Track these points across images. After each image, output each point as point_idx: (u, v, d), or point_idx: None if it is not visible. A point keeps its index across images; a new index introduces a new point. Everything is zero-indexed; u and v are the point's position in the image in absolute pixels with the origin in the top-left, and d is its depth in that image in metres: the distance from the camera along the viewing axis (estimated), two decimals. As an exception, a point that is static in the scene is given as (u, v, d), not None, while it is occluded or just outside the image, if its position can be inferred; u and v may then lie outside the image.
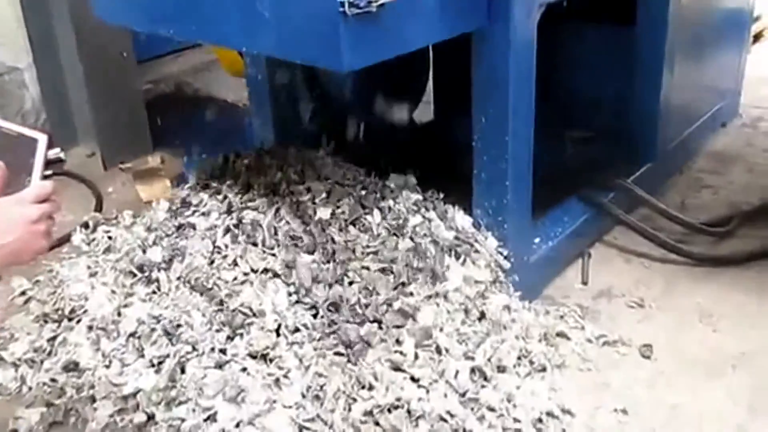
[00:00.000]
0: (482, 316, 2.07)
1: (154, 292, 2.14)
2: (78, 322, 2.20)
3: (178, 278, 2.11)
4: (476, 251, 2.14)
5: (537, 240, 2.40)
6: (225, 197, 2.20)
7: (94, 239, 2.67)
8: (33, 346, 2.15)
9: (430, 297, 2.00)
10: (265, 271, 2.01)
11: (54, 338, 2.18)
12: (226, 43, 2.00)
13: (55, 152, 3.58)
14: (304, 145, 2.53)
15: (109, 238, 2.61)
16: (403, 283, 1.97)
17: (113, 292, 2.21)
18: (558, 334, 2.16)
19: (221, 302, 2.00)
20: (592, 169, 2.75)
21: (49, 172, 3.39)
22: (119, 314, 2.13)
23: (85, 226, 2.73)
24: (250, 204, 2.14)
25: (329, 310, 1.92)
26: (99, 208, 3.17)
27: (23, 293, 2.45)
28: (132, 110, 3.55)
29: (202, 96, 4.39)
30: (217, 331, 1.96)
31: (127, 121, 3.53)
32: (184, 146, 3.55)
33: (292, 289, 1.96)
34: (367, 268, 1.99)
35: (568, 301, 2.37)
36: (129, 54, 3.42)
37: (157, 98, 4.24)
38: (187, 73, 4.62)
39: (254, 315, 1.96)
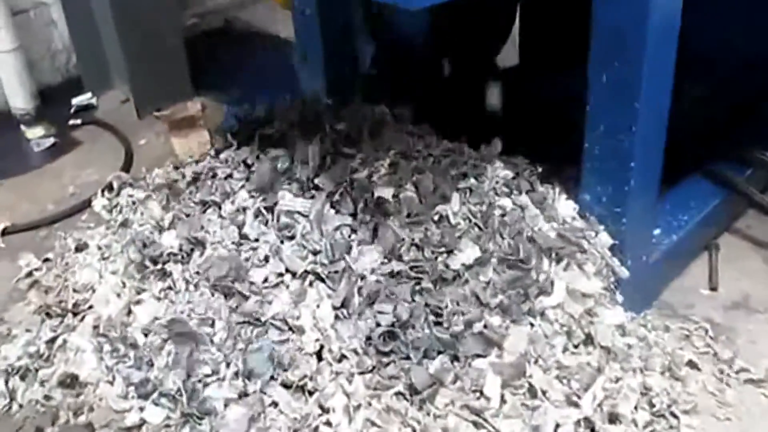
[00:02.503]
0: (589, 339, 1.57)
1: (169, 288, 1.71)
2: (82, 319, 1.81)
3: (197, 272, 1.66)
4: (583, 251, 1.62)
5: (657, 232, 1.85)
6: (256, 169, 1.73)
7: (116, 205, 2.27)
8: (28, 351, 1.74)
9: (522, 316, 1.50)
10: (305, 273, 1.54)
11: (53, 340, 1.78)
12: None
13: (86, 97, 3.19)
14: (362, 97, 2.04)
15: (133, 203, 2.21)
16: (486, 302, 1.47)
17: (123, 285, 1.79)
18: (686, 364, 1.65)
19: (249, 312, 1.55)
20: (724, 137, 2.16)
21: (77, 121, 3.08)
22: (129, 313, 1.72)
23: (109, 188, 2.32)
24: (287, 181, 1.65)
25: (388, 335, 1.44)
26: (128, 165, 2.77)
27: (29, 274, 2.07)
28: (170, 50, 3.06)
29: (253, 31, 3.89)
30: (243, 349, 1.51)
31: (164, 62, 3.05)
32: (228, 91, 3.10)
33: (338, 300, 1.49)
34: (441, 276, 1.49)
35: (693, 312, 1.85)
36: (167, -16, 2.94)
37: (203, 35, 3.76)
38: (236, 5, 4.12)
39: (290, 330, 1.51)
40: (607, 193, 1.62)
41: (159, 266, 1.72)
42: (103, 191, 2.29)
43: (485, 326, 1.45)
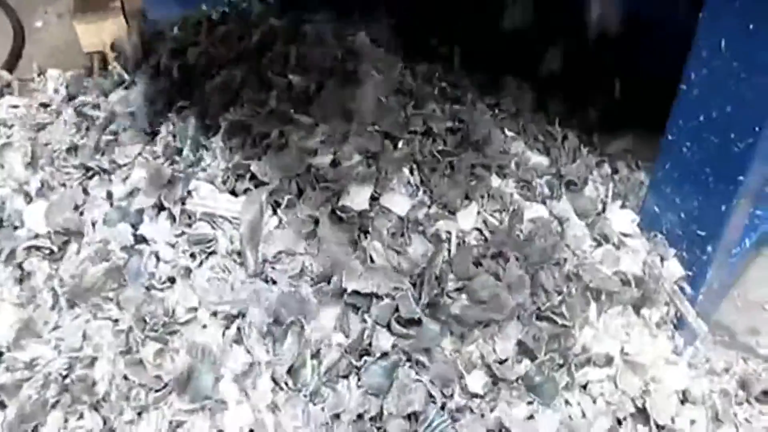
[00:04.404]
0: (641, 414, 1.09)
1: (33, 296, 1.15)
2: None
3: (72, 276, 1.10)
4: (644, 293, 1.10)
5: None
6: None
7: (-9, 123, 1.68)
8: None
9: (556, 395, 1.00)
10: (231, 317, 0.99)
11: None
12: None
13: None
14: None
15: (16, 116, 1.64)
16: (503, 376, 0.96)
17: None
18: None
19: (140, 361, 1.01)
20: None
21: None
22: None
23: (-16, 93, 1.78)
24: (209, 161, 1.07)
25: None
26: (15, 57, 2.14)
27: None
28: None
29: None
30: (132, 421, 1.00)
31: None
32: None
33: (282, 368, 0.96)
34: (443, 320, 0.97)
35: (758, 340, 1.38)
36: None
37: None
38: None
39: (204, 398, 0.99)
40: (691, 209, 1.08)
41: (16, 263, 1.15)
42: (-27, 101, 1.72)
43: (502, 428, 0.94)
